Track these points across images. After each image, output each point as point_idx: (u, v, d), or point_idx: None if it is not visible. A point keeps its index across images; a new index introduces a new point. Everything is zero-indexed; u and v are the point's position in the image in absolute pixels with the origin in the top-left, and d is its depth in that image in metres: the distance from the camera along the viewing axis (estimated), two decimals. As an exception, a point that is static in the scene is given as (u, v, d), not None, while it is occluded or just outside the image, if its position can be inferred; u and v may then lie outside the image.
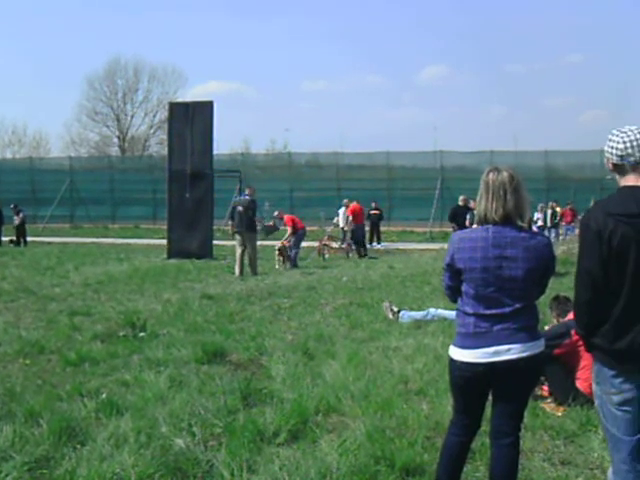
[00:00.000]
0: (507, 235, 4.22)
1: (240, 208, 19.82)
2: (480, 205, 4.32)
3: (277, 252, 21.78)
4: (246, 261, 19.46)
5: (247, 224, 19.47)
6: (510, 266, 4.19)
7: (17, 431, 5.92)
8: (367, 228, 32.94)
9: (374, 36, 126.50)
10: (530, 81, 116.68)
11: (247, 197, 20.10)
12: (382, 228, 35.02)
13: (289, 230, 22.18)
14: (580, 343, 6.89)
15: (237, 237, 19.65)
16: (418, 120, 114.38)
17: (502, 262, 4.20)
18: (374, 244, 32.44)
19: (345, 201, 29.33)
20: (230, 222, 22.17)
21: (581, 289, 3.82)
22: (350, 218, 27.62)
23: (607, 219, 3.65)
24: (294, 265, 21.44)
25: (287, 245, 22.03)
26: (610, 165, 3.89)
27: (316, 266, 22.27)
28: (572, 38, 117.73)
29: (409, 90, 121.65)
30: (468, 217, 23.21)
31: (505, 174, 4.30)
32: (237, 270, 19.00)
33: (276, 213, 23.18)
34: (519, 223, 4.29)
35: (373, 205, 33.64)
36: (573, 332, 7.01)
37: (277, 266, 21.34)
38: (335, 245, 27.53)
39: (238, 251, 19.30)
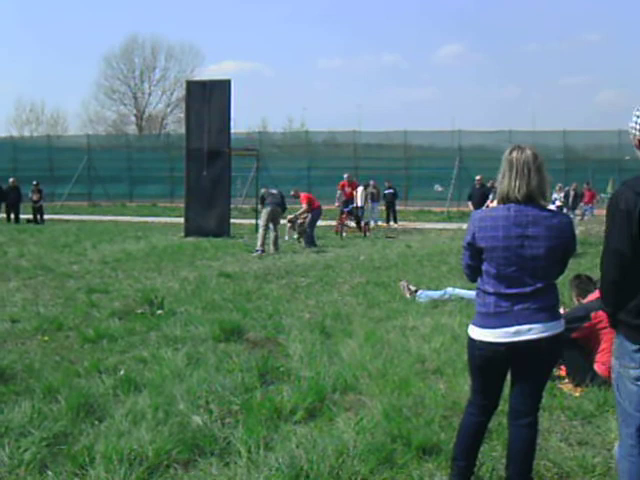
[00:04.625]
0: (529, 214, 4.19)
1: (274, 190, 20.72)
2: (503, 183, 4.27)
3: (288, 224, 21.91)
4: (270, 239, 19.73)
5: (280, 202, 20.23)
6: (532, 245, 4.16)
7: (35, 407, 5.96)
8: (382, 207, 32.92)
9: (389, 15, 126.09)
10: (546, 60, 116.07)
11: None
12: (399, 207, 34.90)
13: (304, 207, 22.12)
14: (599, 326, 6.87)
15: (266, 211, 19.91)
16: (435, 99, 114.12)
17: (524, 241, 4.17)
18: (391, 223, 32.37)
19: (346, 176, 29.50)
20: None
21: (609, 268, 3.79)
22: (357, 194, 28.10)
23: (637, 199, 3.61)
24: (312, 244, 21.42)
25: (303, 222, 22.02)
26: (636, 142, 3.81)
27: (333, 245, 22.24)
28: (589, 17, 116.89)
29: (426, 69, 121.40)
30: (491, 197, 23.09)
31: (529, 152, 4.26)
32: (260, 243, 19.06)
33: (292, 192, 23.14)
34: (541, 202, 4.25)
35: (386, 184, 33.47)
36: (592, 315, 6.96)
37: (287, 237, 21.39)
38: (352, 224, 27.51)
39: (262, 229, 19.48)
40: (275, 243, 19.71)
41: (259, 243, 19.06)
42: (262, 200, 20.85)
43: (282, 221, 21.33)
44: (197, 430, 5.56)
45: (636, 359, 3.76)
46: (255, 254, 18.56)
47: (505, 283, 4.22)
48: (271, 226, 19.81)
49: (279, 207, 20.15)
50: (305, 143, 53.27)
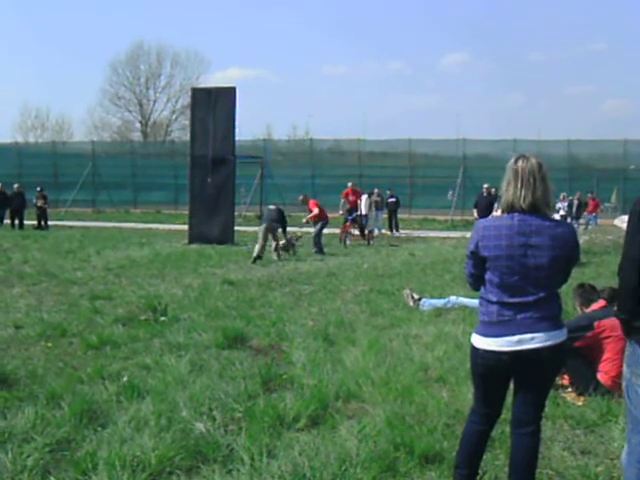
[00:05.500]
0: (532, 223, 4.19)
1: (272, 206, 20.66)
2: (507, 192, 4.27)
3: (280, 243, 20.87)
4: (271, 248, 19.81)
5: (275, 218, 19.93)
6: (535, 254, 4.17)
7: (39, 413, 5.97)
8: (385, 216, 32.92)
9: (394, 22, 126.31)
10: (551, 69, 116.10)
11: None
12: (404, 216, 34.86)
13: (315, 211, 22.20)
14: (603, 336, 6.86)
15: (261, 228, 19.90)
16: (440, 106, 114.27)
17: (527, 250, 4.17)
18: (394, 232, 32.36)
19: (350, 184, 29.62)
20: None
21: (628, 274, 3.78)
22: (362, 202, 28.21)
23: None
24: (321, 251, 21.49)
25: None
26: None
27: (337, 253, 22.23)
28: (595, 26, 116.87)
29: (430, 77, 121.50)
30: (496, 205, 23.10)
31: (534, 161, 4.26)
32: (256, 252, 19.01)
33: (301, 197, 23.24)
34: (545, 211, 4.25)
35: (388, 193, 33.50)
36: (596, 325, 6.95)
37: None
38: (357, 232, 27.51)
39: (259, 244, 19.33)
40: (276, 249, 19.77)
41: (255, 254, 19.05)
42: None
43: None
44: (200, 437, 5.56)
45: None
46: (250, 262, 18.62)
47: (508, 292, 4.23)
48: (270, 237, 19.79)
49: (274, 222, 19.85)
50: (309, 151, 53.25)
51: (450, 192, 43.92)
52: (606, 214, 39.41)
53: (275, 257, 19.50)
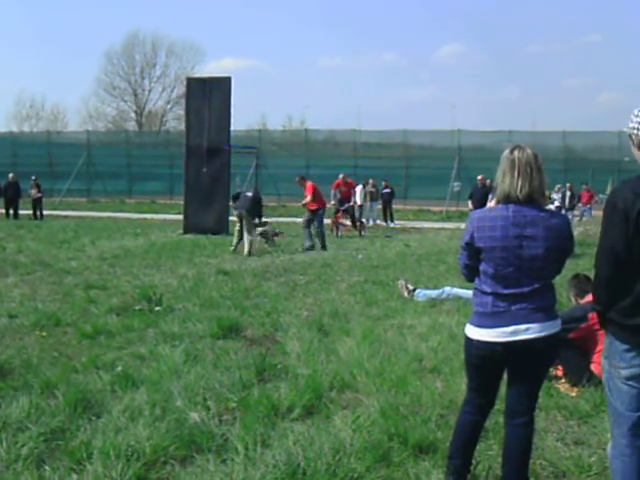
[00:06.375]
0: (527, 214, 4.18)
1: (249, 193, 19.90)
2: (504, 183, 4.24)
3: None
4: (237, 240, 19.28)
5: (248, 207, 18.97)
6: (530, 245, 4.16)
7: (33, 402, 5.97)
8: (379, 206, 32.92)
9: (390, 14, 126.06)
10: (547, 61, 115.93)
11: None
12: (398, 207, 34.83)
13: (308, 198, 21.33)
14: (597, 327, 6.84)
15: (235, 214, 19.70)
16: (435, 98, 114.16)
17: (522, 241, 4.17)
18: (389, 223, 32.36)
19: (341, 176, 29.48)
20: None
21: (603, 265, 3.79)
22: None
23: (636, 199, 3.62)
24: (322, 247, 20.65)
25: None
26: (636, 141, 3.79)
27: (331, 243, 22.16)
28: (591, 18, 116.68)
29: (426, 68, 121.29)
30: (490, 196, 23.05)
31: (530, 152, 4.25)
32: (246, 248, 18.51)
33: (297, 179, 22.59)
34: (541, 201, 4.25)
35: (383, 184, 33.49)
36: (590, 316, 6.96)
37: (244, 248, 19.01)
38: (348, 222, 27.45)
39: (237, 228, 19.28)
40: (248, 244, 18.74)
41: (246, 249, 18.58)
42: (234, 199, 20.47)
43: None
44: (194, 427, 5.57)
45: (626, 359, 3.77)
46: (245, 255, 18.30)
47: (503, 283, 4.22)
48: (245, 226, 18.83)
49: (244, 211, 18.81)
50: (304, 141, 53.14)
51: (457, 183, 43.75)
52: (600, 205, 39.18)
53: (232, 249, 18.83)
